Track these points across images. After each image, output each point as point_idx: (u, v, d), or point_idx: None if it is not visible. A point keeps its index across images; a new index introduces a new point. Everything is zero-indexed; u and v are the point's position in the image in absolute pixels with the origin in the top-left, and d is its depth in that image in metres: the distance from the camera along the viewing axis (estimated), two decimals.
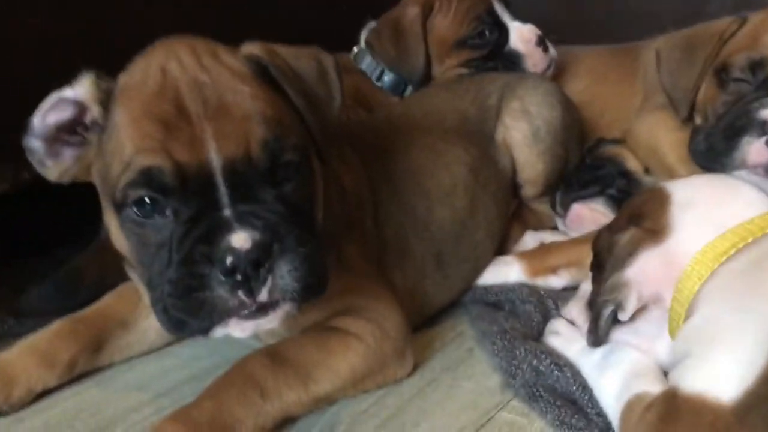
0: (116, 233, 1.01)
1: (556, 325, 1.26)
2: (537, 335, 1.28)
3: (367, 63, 1.86)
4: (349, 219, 1.23)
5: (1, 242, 1.68)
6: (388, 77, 1.84)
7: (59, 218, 1.59)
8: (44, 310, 1.37)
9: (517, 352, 1.19)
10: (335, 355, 1.10)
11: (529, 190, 1.60)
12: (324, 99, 1.09)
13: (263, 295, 0.91)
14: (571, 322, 1.25)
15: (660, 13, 2.10)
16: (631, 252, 1.04)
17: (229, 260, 0.89)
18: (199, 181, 0.91)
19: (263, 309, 0.93)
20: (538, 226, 1.66)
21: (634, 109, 1.81)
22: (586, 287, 1.28)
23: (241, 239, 0.89)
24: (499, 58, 1.80)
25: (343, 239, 1.19)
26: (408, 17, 1.80)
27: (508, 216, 1.56)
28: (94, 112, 0.98)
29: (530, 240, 1.61)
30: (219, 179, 0.91)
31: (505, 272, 1.47)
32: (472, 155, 1.47)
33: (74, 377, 1.23)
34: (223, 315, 0.92)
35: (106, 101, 0.98)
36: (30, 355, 1.17)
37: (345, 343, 1.11)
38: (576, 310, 1.23)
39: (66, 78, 1.00)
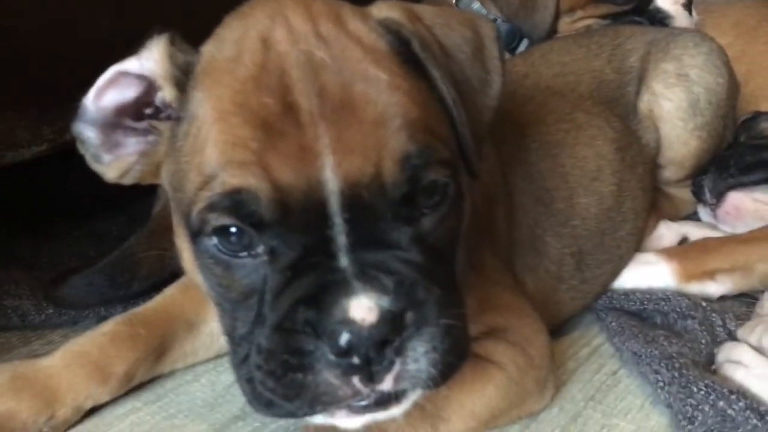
0: (189, 262, 0.75)
1: (738, 352, 0.99)
2: (707, 362, 1.02)
3: (474, 11, 1.56)
4: (480, 215, 0.96)
5: (38, 210, 1.46)
6: (499, 29, 1.54)
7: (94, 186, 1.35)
8: (91, 302, 1.13)
9: (694, 389, 0.93)
10: (471, 390, 0.85)
11: (672, 173, 1.31)
12: (479, 86, 0.79)
13: (387, 384, 0.66)
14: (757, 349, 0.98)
15: None
16: None
17: (344, 338, 0.62)
18: (308, 213, 0.65)
19: (384, 401, 0.68)
20: (674, 215, 1.38)
21: None
22: None
23: (363, 308, 0.63)
24: (642, 15, 1.50)
25: (475, 241, 0.93)
26: None
27: (651, 207, 1.28)
28: (166, 93, 0.72)
29: (667, 232, 1.33)
30: (336, 211, 0.65)
31: (649, 274, 1.19)
32: (616, 129, 1.19)
33: (130, 389, 1.00)
34: (328, 404, 0.66)
35: (183, 81, 0.72)
36: (78, 365, 0.94)
37: (484, 374, 0.86)
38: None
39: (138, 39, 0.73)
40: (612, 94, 1.25)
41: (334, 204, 0.64)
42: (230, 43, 0.71)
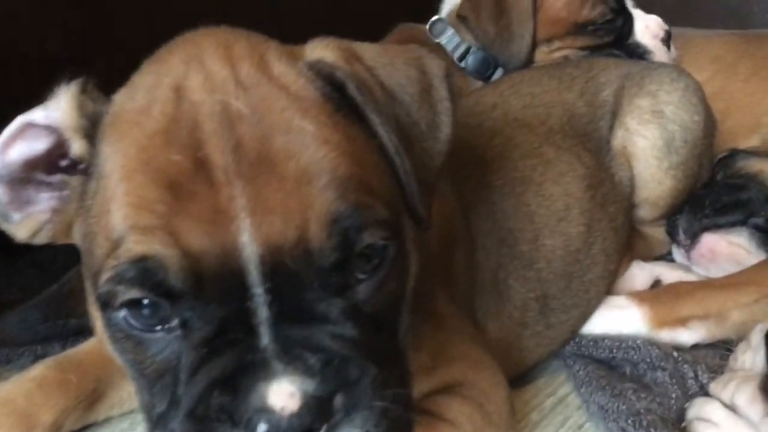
0: (101, 333, 0.67)
1: (709, 410, 0.93)
2: (676, 419, 0.96)
3: (447, 38, 1.51)
4: (436, 259, 0.90)
5: None
6: (474, 57, 1.49)
7: None
8: (24, 340, 1.06)
9: None
10: None
11: (646, 212, 1.26)
12: (428, 129, 0.72)
13: None
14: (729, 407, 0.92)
15: None
16: None
17: (261, 429, 0.55)
18: (224, 282, 0.57)
19: None
20: (648, 255, 1.33)
21: None
22: (747, 359, 0.96)
23: (283, 394, 0.56)
24: (621, 49, 1.46)
25: (430, 287, 0.87)
26: None
27: (626, 246, 1.22)
28: (75, 146, 0.65)
29: (640, 273, 1.28)
30: (255, 280, 0.58)
31: (619, 319, 1.13)
32: (587, 165, 1.13)
33: None
34: None
35: (92, 131, 0.65)
36: (3, 414, 0.88)
37: None
38: (743, 395, 0.90)
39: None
40: (584, 128, 1.20)
41: (254, 272, 0.57)
42: (142, 91, 0.64)
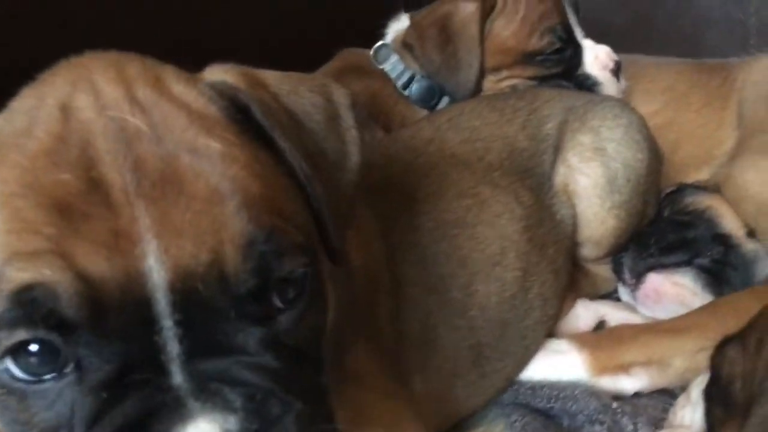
0: None
1: None
2: None
3: (392, 64, 1.46)
4: (358, 308, 0.84)
5: None
6: (418, 85, 1.43)
7: None
8: None
9: None
10: None
11: (589, 251, 1.21)
12: (336, 158, 0.69)
13: None
14: None
15: (744, 21, 1.72)
16: None
17: None
18: (127, 314, 0.51)
19: None
20: (593, 293, 1.28)
21: (722, 145, 1.44)
22: (686, 415, 0.91)
23: None
24: (570, 80, 1.41)
25: (348, 339, 0.81)
26: (461, 15, 1.39)
27: (567, 288, 1.17)
28: None
29: (584, 313, 1.23)
30: (164, 310, 0.52)
31: (559, 365, 1.08)
32: (525, 205, 1.08)
33: None
34: None
35: None
36: None
37: None
38: None
39: None
40: (525, 163, 1.15)
41: (162, 301, 0.51)
42: (22, 114, 0.59)
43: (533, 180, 1.14)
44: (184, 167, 0.55)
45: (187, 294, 0.52)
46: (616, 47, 1.75)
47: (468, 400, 1.00)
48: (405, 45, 1.43)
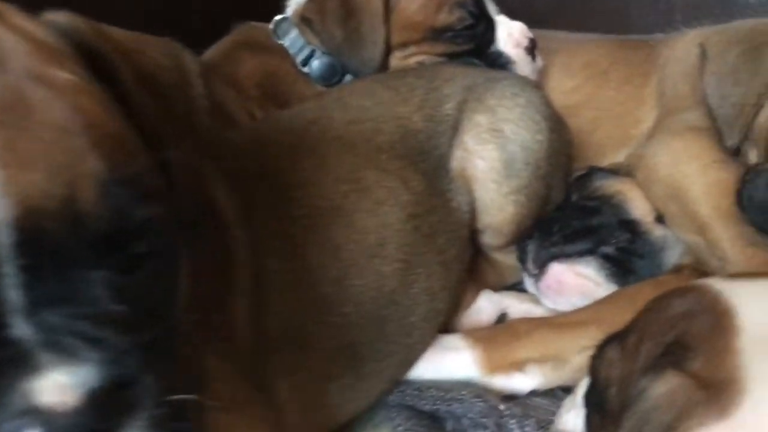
0: None
1: None
2: None
3: (291, 39, 1.35)
4: (213, 306, 0.75)
5: None
6: (319, 62, 1.33)
7: None
8: None
9: None
10: None
11: (490, 238, 1.14)
12: (185, 108, 0.65)
13: None
14: None
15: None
16: (676, 422, 0.59)
17: None
18: None
19: None
20: (499, 283, 1.21)
21: (640, 125, 1.36)
22: (570, 419, 0.84)
23: (57, 388, 0.45)
24: (482, 58, 1.32)
25: (201, 342, 0.72)
26: None
27: (462, 280, 1.09)
28: None
29: (487, 305, 1.16)
30: (7, 253, 0.45)
31: (450, 362, 1.02)
32: (414, 191, 1.00)
33: None
34: None
35: None
36: None
37: None
38: None
39: None
40: (420, 146, 1.07)
41: (5, 243, 0.45)
42: None
43: (428, 164, 1.06)
44: (32, 96, 0.49)
45: (35, 233, 0.46)
46: (540, 24, 1.67)
47: (344, 405, 0.92)
48: (303, 19, 1.33)
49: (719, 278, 0.71)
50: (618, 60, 1.44)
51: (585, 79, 1.44)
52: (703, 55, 1.12)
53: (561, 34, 1.58)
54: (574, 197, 1.20)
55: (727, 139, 1.04)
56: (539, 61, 1.40)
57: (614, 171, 1.22)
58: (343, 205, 0.93)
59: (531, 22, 1.49)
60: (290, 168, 0.94)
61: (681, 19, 1.62)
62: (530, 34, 1.37)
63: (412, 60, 1.32)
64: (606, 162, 1.34)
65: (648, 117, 1.37)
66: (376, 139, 1.03)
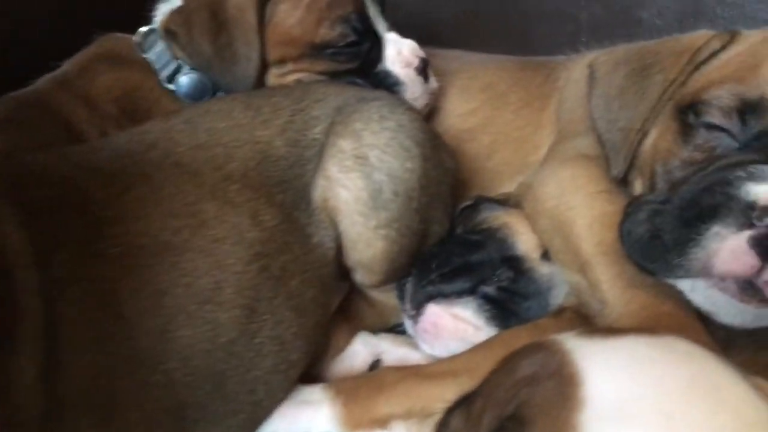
0: None
1: None
2: None
3: (157, 53, 1.22)
4: None
5: None
6: (186, 78, 1.20)
7: None
8: None
9: None
10: None
11: (362, 277, 1.03)
12: None
13: None
14: None
15: (575, 15, 1.58)
16: None
17: None
18: None
19: None
20: (379, 325, 1.10)
21: (538, 150, 1.28)
22: None
23: None
24: (367, 77, 1.22)
25: None
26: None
27: (325, 324, 0.98)
28: None
29: (361, 350, 1.05)
30: None
31: (306, 418, 0.90)
32: (265, 226, 0.88)
33: None
34: None
35: None
36: None
37: None
38: None
39: None
40: (280, 174, 0.95)
41: None
42: None
43: (288, 195, 0.94)
44: None
45: None
46: (444, 42, 1.59)
47: None
48: (168, 32, 1.20)
49: (573, 334, 0.61)
50: (518, 82, 1.36)
51: (483, 102, 1.35)
52: (592, 77, 1.03)
53: (464, 54, 1.49)
54: (459, 230, 1.11)
55: (614, 167, 0.96)
56: (433, 82, 1.30)
57: (503, 201, 1.13)
58: (171, 243, 0.80)
59: (432, 41, 1.40)
60: (109, 199, 0.81)
61: (586, 40, 1.55)
62: (422, 53, 1.27)
63: (290, 78, 1.21)
64: (504, 190, 1.25)
65: (546, 142, 1.28)
66: (226, 167, 0.91)
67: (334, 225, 0.96)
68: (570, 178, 1.01)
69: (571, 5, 1.54)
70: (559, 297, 1.00)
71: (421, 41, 1.52)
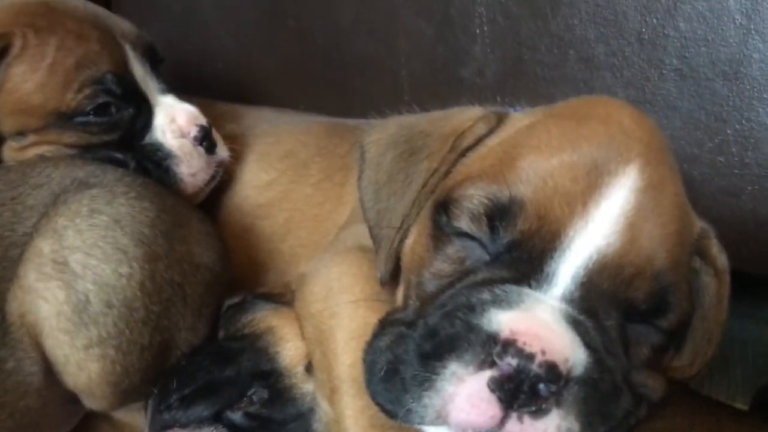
0: None
1: None
2: None
3: None
4: None
5: None
6: None
7: None
8: None
9: None
10: None
11: (89, 402, 0.84)
12: None
13: None
14: None
15: (397, 72, 1.45)
16: None
17: None
18: None
19: None
20: None
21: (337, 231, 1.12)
22: None
23: None
24: (134, 150, 1.04)
25: None
26: None
27: None
28: None
29: None
30: None
31: None
32: None
33: None
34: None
35: None
36: None
37: None
38: None
39: None
40: None
41: None
42: None
43: None
44: None
45: None
46: (264, 96, 1.45)
47: None
48: None
49: None
50: (321, 150, 1.21)
51: (281, 173, 1.20)
52: (362, 158, 0.88)
53: (273, 114, 1.34)
54: (222, 334, 0.94)
55: (377, 268, 0.81)
56: (222, 152, 1.13)
57: (279, 296, 0.96)
58: None
59: (250, 95, 1.25)
60: None
61: (409, 98, 1.43)
62: (202, 120, 1.10)
63: (32, 151, 1.01)
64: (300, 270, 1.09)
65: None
66: None
67: (37, 345, 0.78)
68: (337, 277, 0.86)
69: (392, 61, 1.41)
70: (323, 420, 0.84)
71: (237, 96, 1.38)
